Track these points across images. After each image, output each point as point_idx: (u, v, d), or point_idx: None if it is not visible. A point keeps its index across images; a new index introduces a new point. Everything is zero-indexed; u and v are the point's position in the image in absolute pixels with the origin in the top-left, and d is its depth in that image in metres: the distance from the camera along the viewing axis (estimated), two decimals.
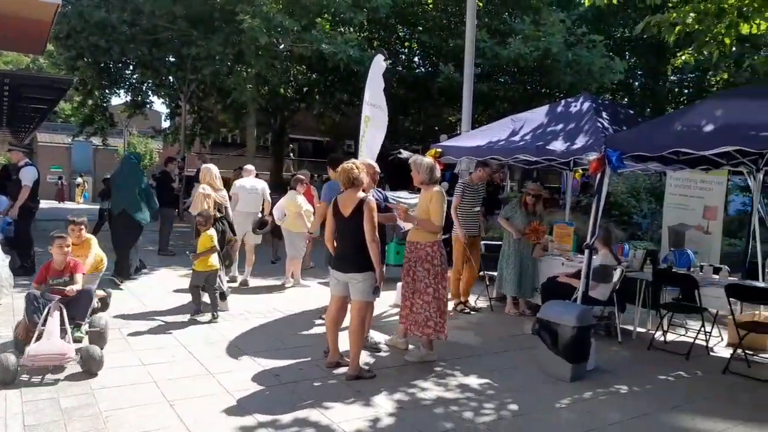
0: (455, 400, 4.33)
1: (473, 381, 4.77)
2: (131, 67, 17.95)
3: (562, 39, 13.74)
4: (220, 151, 28.32)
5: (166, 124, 26.42)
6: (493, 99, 15.30)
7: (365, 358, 5.10)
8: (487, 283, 7.61)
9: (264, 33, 12.03)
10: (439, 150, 7.21)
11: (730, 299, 5.39)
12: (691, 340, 5.86)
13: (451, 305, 6.94)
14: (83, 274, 5.06)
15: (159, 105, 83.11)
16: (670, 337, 6.29)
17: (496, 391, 4.58)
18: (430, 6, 16.71)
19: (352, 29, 13.92)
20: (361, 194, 4.60)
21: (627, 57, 19.21)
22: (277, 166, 21.77)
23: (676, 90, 21.47)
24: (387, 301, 7.18)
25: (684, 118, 5.05)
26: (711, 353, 5.91)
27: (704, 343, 5.91)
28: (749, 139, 4.42)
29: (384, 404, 4.18)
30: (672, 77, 20.56)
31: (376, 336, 5.71)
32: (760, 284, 5.94)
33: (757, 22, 6.95)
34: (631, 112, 7.71)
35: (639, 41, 18.16)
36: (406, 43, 18.35)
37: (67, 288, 4.76)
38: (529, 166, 8.41)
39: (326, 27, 12.94)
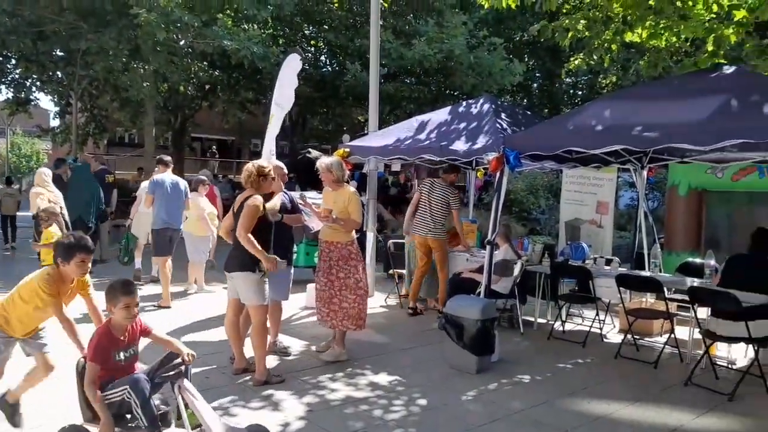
0: (365, 399, 4.35)
1: (383, 379, 4.80)
2: (13, 61, 16.59)
3: (465, 41, 14.18)
4: (116, 152, 26.77)
5: (55, 123, 24.64)
6: (400, 99, 15.53)
7: (273, 362, 5.01)
8: (396, 281, 7.70)
9: (162, 28, 11.52)
10: (347, 150, 7.21)
11: (620, 288, 5.75)
12: (587, 329, 6.22)
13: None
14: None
15: (47, 102, 77.56)
16: (568, 326, 6.63)
17: (405, 387, 4.64)
18: (336, 5, 16.69)
19: (256, 26, 13.62)
20: (253, 193, 4.54)
21: (526, 60, 20.12)
22: (177, 167, 20.91)
23: (571, 92, 22.76)
24: (297, 304, 7.08)
25: (575, 118, 5.35)
26: (605, 340, 6.28)
27: (599, 331, 6.28)
28: (634, 138, 4.73)
29: (293, 408, 4.12)
30: (567, 80, 21.76)
31: (286, 340, 5.62)
32: (646, 274, 6.40)
33: (639, 30, 7.48)
34: (529, 113, 8.07)
35: (537, 45, 19.06)
36: (313, 42, 18.23)
37: (186, 354, 3.34)
38: (435, 166, 8.60)
39: (228, 23, 12.58)
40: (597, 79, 19.65)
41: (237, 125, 23.44)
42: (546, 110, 20.03)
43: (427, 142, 6.61)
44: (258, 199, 4.52)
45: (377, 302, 7.68)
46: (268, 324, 4.88)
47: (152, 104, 15.35)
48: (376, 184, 7.91)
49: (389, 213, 11.13)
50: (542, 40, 7.82)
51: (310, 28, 17.66)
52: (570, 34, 7.27)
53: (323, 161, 5.29)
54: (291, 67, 7.76)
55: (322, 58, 18.90)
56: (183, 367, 3.32)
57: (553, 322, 6.52)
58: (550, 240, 10.36)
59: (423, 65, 14.23)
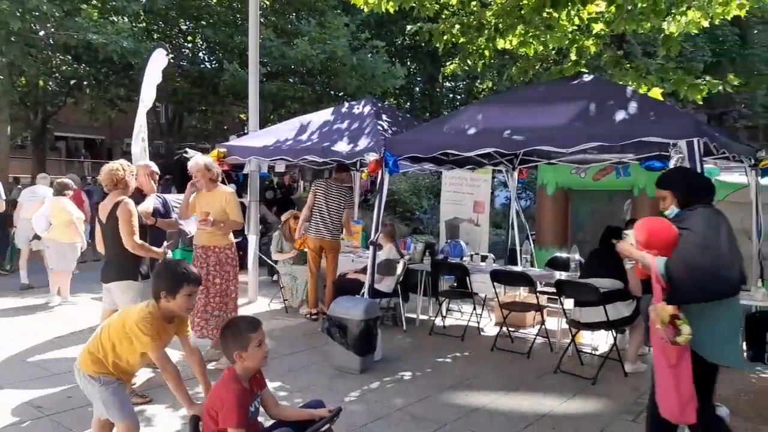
0: None
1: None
2: None
3: (347, 43, 14.25)
4: None
5: None
6: (283, 98, 15.31)
7: (147, 375, 4.71)
8: (281, 285, 7.56)
9: (17, 17, 10.49)
10: (223, 150, 6.97)
11: (495, 283, 6.04)
12: (466, 323, 6.46)
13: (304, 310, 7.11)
14: None
15: None
16: (448, 321, 6.85)
17: (288, 392, 4.56)
18: (215, 0, 16.11)
19: (126, 19, 12.80)
20: (120, 197, 4.25)
21: (408, 64, 20.63)
22: (38, 168, 19.18)
23: (451, 95, 23.64)
24: None
25: (451, 122, 5.54)
26: (482, 333, 6.56)
27: (476, 325, 6.56)
28: (504, 141, 4.99)
29: (165, 423, 3.90)
30: (447, 84, 22.58)
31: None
32: (518, 269, 6.77)
33: (510, 38, 7.90)
34: (409, 115, 8.25)
35: (418, 49, 19.60)
36: (190, 37, 17.46)
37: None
38: (320, 167, 8.56)
39: (93, 15, 11.72)
40: (474, 84, 20.60)
41: (107, 123, 21.95)
42: (427, 113, 20.65)
43: (310, 143, 6.56)
44: (130, 203, 4.24)
45: (260, 307, 7.49)
46: None
47: (6, 99, 13.95)
48: (257, 186, 7.70)
49: (274, 214, 10.90)
50: (423, 44, 8.04)
51: (187, 23, 16.91)
52: (445, 38, 7.54)
53: (199, 160, 5.07)
54: (156, 62, 7.37)
55: (201, 54, 18.17)
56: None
57: (434, 318, 6.71)
58: (431, 239, 10.67)
59: (306, 65, 14.12)
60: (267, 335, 2.79)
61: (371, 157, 5.57)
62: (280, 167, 8.42)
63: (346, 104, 7.39)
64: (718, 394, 4.36)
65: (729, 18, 8.24)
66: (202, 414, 2.65)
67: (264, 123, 9.62)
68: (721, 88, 7.55)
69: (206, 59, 18.08)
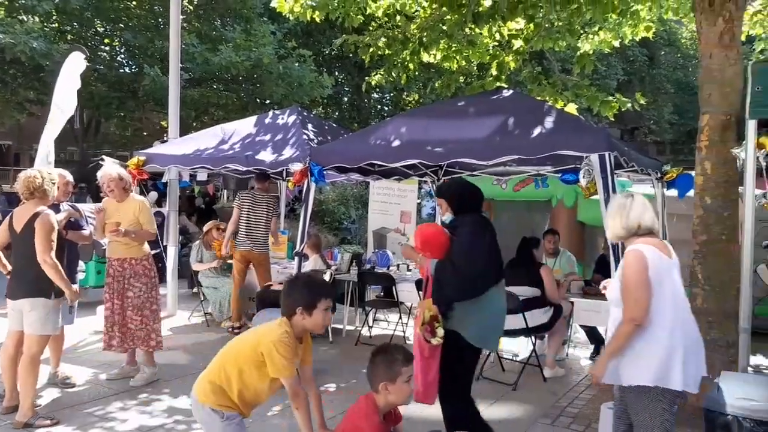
0: (161, 426, 4.04)
1: (183, 403, 4.49)
2: None
3: (273, 51, 14.10)
4: None
5: None
6: (207, 106, 14.95)
7: (54, 395, 4.44)
8: (202, 297, 7.33)
9: None
10: (143, 159, 6.71)
11: (419, 292, 6.10)
12: (392, 332, 6.49)
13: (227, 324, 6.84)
14: None
15: None
16: (375, 331, 6.87)
17: None
18: (134, 3, 15.53)
19: (36, 18, 12.12)
20: (40, 208, 3.99)
21: (336, 74, 20.64)
22: None
23: (378, 107, 23.84)
24: (86, 328, 6.37)
25: (377, 133, 5.58)
26: (408, 342, 6.60)
27: (402, 334, 6.60)
28: (427, 153, 5.07)
29: None
30: (375, 95, 22.76)
31: (70, 369, 5.02)
32: None
33: (434, 52, 8.07)
34: (335, 125, 8.24)
35: (345, 59, 19.65)
36: (107, 40, 16.72)
37: None
38: (243, 176, 8.39)
39: (0, 13, 11.03)
40: (402, 96, 20.87)
41: (15, 128, 20.64)
42: (356, 124, 20.73)
43: (232, 151, 6.42)
44: (51, 216, 3.98)
45: (180, 321, 7.24)
46: (48, 354, 4.32)
47: None
48: (177, 195, 7.46)
49: (194, 225, 10.59)
50: (350, 55, 8.07)
51: (104, 24, 16.20)
52: (371, 51, 7.60)
53: (110, 169, 4.85)
54: (73, 65, 7.03)
55: (119, 57, 17.44)
56: None
57: (360, 328, 6.70)
58: (360, 249, 10.70)
59: (231, 72, 13.85)
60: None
61: (296, 166, 5.52)
62: (202, 176, 8.20)
63: (271, 113, 7.31)
64: None
65: (637, 39, 8.80)
66: None
67: (187, 130, 9.34)
68: (630, 105, 8.03)
69: (125, 63, 17.37)
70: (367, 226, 11.05)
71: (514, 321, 5.33)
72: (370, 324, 6.81)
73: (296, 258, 5.54)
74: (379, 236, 9.79)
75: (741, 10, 4.84)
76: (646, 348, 2.66)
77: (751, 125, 3.43)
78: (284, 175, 8.14)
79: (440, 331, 3.11)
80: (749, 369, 3.44)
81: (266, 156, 6.07)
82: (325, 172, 5.61)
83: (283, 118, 6.84)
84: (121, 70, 16.76)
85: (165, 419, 4.16)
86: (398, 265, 7.41)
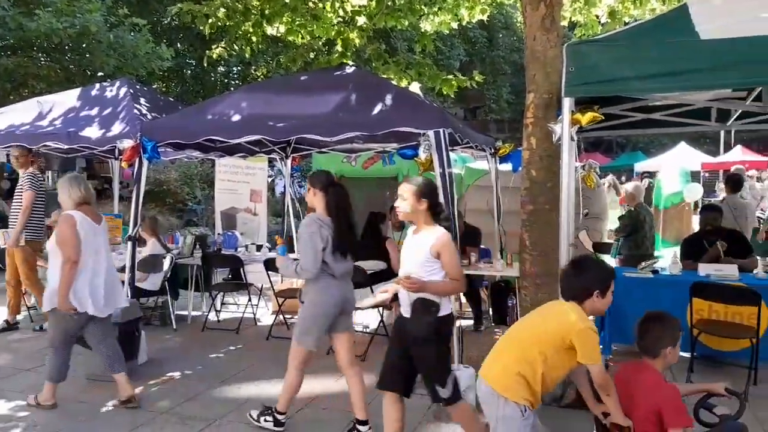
0: None
1: (1, 406, 4.05)
2: None
3: (102, 18, 12.83)
4: None
5: None
6: (24, 77, 13.27)
7: None
8: (24, 291, 6.58)
9: None
10: None
11: (269, 272, 5.98)
12: (241, 315, 6.31)
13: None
14: None
15: None
16: (223, 315, 6.64)
17: (31, 411, 4.00)
18: None
19: None
20: None
21: (178, 45, 19.35)
22: None
23: (225, 80, 22.83)
24: None
25: (214, 108, 5.28)
26: (258, 323, 6.48)
27: (252, 316, 6.45)
28: (270, 129, 4.91)
29: None
30: (221, 68, 21.71)
31: None
32: (295, 256, 6.79)
33: (277, 25, 7.85)
34: (173, 100, 7.74)
35: (187, 30, 18.48)
36: None
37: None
38: (69, 155, 7.59)
39: None
40: (249, 70, 20.17)
41: None
42: (200, 98, 19.66)
43: (52, 128, 5.78)
44: None
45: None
46: None
47: None
48: None
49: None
50: (193, 25, 7.56)
51: None
52: (210, 21, 7.22)
53: None
54: None
55: None
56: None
57: (207, 314, 6.44)
58: (207, 231, 10.25)
59: (52, 40, 12.39)
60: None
61: (126, 143, 5.09)
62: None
63: (98, 85, 6.66)
64: (468, 356, 4.90)
65: (474, 21, 9.25)
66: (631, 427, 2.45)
67: (2, 105, 8.21)
68: (468, 84, 8.46)
69: None
70: (214, 206, 10.60)
71: (363, 294, 5.44)
72: (218, 308, 6.57)
73: (129, 243, 5.13)
74: (227, 216, 9.42)
75: None
76: None
77: (566, 103, 3.71)
78: (116, 154, 7.52)
79: None
80: None
81: (92, 132, 5.53)
82: (161, 149, 5.24)
83: (111, 91, 6.26)
84: None
85: None
86: (247, 246, 7.20)
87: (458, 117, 16.00)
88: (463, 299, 6.33)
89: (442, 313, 3.07)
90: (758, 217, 9.44)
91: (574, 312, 2.52)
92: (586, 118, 3.68)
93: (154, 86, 18.04)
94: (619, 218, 7.09)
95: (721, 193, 14.21)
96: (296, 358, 3.77)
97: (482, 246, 6.50)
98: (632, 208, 6.80)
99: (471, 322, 6.30)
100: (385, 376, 3.28)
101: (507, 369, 2.52)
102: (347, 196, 3.76)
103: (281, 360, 5.18)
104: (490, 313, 6.66)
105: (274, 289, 6.20)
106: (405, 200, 3.17)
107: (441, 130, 4.31)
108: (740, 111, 5.62)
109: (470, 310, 6.39)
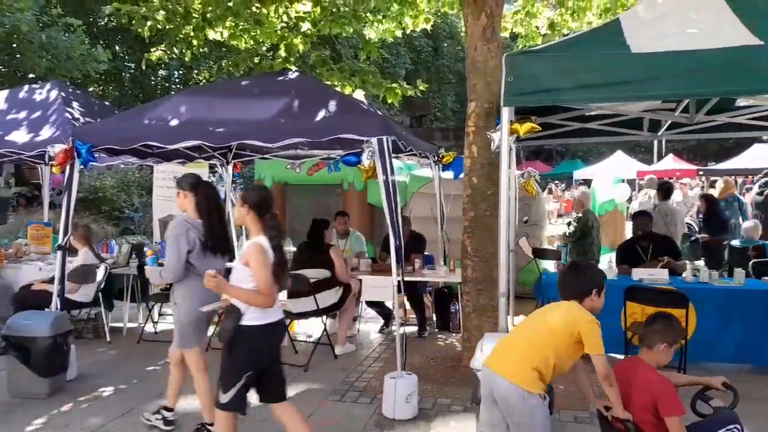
0: None
1: None
2: None
3: (34, 18, 12.29)
4: None
5: None
6: None
7: None
8: None
9: None
10: None
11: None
12: None
13: None
14: None
15: None
16: (161, 326, 6.41)
17: None
18: None
19: None
20: None
21: (116, 47, 18.74)
22: None
23: (166, 84, 22.26)
24: None
25: (151, 112, 5.09)
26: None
27: None
28: (209, 134, 4.76)
29: None
30: (162, 72, 21.14)
31: None
32: (235, 264, 6.64)
33: (219, 29, 7.69)
34: (108, 104, 7.46)
35: (126, 32, 17.92)
36: None
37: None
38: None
39: None
40: (191, 74, 19.74)
41: None
42: (139, 103, 19.11)
43: None
44: None
45: None
46: None
47: None
48: None
49: None
50: (131, 27, 7.31)
51: None
52: (149, 24, 7.00)
53: None
54: None
55: None
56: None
57: (143, 325, 6.21)
58: (145, 239, 9.91)
59: None
60: None
61: (57, 148, 4.85)
62: None
63: (27, 87, 6.36)
64: (411, 363, 4.91)
65: (418, 30, 9.34)
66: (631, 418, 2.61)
67: None
68: (412, 92, 8.52)
69: None
70: (152, 213, 10.27)
71: (306, 303, 5.37)
72: (155, 320, 6.34)
73: (59, 252, 4.89)
74: (164, 224, 9.13)
75: (500, 7, 5.37)
76: None
77: (505, 112, 3.77)
78: (47, 159, 7.18)
79: None
80: (509, 329, 3.84)
81: (19, 136, 5.29)
82: (94, 154, 5.02)
83: (41, 94, 5.99)
84: None
85: None
86: None
87: (404, 125, 16.14)
88: (408, 305, 6.35)
89: (248, 322, 3.01)
90: (687, 223, 9.90)
91: (579, 309, 2.75)
92: (523, 129, 3.75)
93: (90, 89, 17.40)
94: (568, 224, 7.27)
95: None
96: (192, 362, 3.75)
97: (426, 252, 6.54)
98: (581, 214, 6.98)
99: (415, 328, 6.32)
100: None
101: (523, 365, 2.70)
102: (217, 194, 3.77)
103: (219, 371, 5.08)
104: (434, 319, 6.70)
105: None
106: (237, 206, 3.19)
107: (384, 137, 4.31)
108: (670, 121, 5.89)
109: (414, 316, 6.41)
